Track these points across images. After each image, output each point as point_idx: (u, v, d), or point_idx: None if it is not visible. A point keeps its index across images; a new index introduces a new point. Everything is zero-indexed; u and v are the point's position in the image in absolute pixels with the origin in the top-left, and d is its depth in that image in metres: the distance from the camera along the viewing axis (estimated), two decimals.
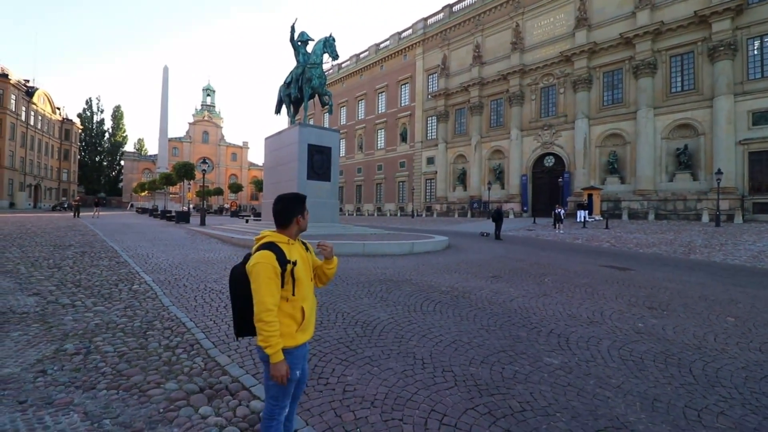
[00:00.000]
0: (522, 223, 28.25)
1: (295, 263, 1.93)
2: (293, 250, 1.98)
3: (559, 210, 21.59)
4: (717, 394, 3.15)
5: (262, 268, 1.82)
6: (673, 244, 15.38)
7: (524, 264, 10.18)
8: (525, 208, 34.63)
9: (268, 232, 2.01)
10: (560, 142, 32.70)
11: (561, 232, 20.89)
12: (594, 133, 30.62)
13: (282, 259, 1.88)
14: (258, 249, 1.92)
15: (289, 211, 2.03)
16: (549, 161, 33.94)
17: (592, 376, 3.41)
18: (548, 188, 33.44)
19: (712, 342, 4.42)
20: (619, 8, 29.70)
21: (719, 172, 22.09)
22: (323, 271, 2.19)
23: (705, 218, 23.52)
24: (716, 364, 3.76)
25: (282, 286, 1.88)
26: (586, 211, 25.50)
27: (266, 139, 18.77)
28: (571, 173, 31.62)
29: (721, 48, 24.56)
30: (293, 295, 1.93)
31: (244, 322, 1.96)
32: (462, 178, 40.54)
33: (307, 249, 2.14)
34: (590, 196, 28.59)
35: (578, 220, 25.49)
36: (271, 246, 1.92)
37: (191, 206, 50.40)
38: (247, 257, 1.96)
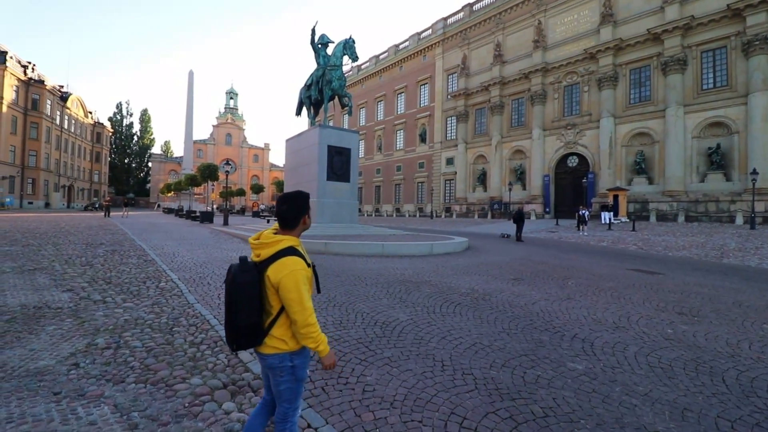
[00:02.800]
0: (544, 224, 27.70)
1: (314, 266, 1.97)
2: (305, 252, 1.95)
3: (583, 211, 21.07)
4: (752, 404, 3.00)
5: (301, 276, 1.78)
6: (705, 248, 14.78)
7: (546, 266, 9.97)
8: (547, 210, 33.97)
9: (273, 235, 1.89)
10: (584, 141, 31.92)
11: (585, 234, 20.38)
12: (620, 132, 29.77)
13: (306, 263, 1.87)
14: (278, 254, 1.82)
15: (298, 210, 1.92)
16: (572, 161, 33.19)
17: (618, 382, 3.31)
18: (571, 189, 32.71)
19: (747, 350, 4.22)
20: (646, 3, 28.80)
21: (755, 172, 21.12)
22: None
23: (739, 220, 22.51)
24: (751, 373, 3.59)
25: None
26: (612, 213, 24.79)
27: (287, 140, 19.05)
28: (596, 173, 30.82)
29: (757, 42, 23.47)
30: (318, 292, 2.05)
31: (249, 334, 1.82)
32: (482, 179, 40.09)
33: None
34: (616, 197, 27.80)
35: (603, 221, 24.79)
36: (296, 252, 1.85)
37: (215, 206, 51.59)
38: (243, 261, 1.83)
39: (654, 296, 6.72)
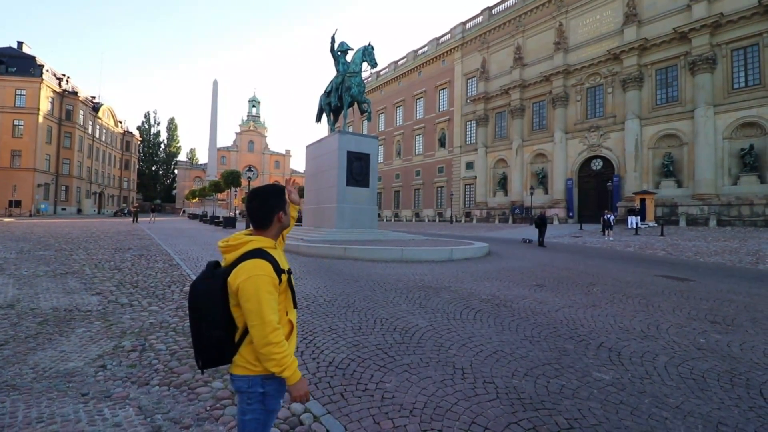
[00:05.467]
0: (567, 229, 27.08)
1: (290, 272, 1.65)
2: (281, 256, 1.67)
3: (609, 216, 20.48)
4: None
5: (262, 282, 1.48)
6: (739, 253, 14.13)
7: (570, 272, 9.73)
8: (570, 214, 33.20)
9: (244, 236, 1.63)
10: (609, 144, 31.12)
11: (611, 239, 19.81)
12: (646, 134, 28.88)
13: (277, 269, 1.55)
14: (243, 257, 1.55)
15: (268, 207, 1.66)
16: (596, 164, 32.38)
17: (648, 394, 3.17)
18: (596, 193, 31.87)
19: None
20: (672, 2, 27.93)
21: None
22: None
23: None
24: None
25: None
26: (638, 217, 24.01)
27: (307, 146, 19.30)
28: (621, 177, 29.97)
29: None
30: (294, 308, 1.68)
31: (214, 350, 1.56)
32: (503, 183, 39.55)
33: None
34: (643, 200, 26.91)
35: (629, 226, 24.06)
36: (263, 254, 1.56)
37: (237, 212, 52.67)
38: (210, 266, 1.61)
39: (685, 304, 6.45)
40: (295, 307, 1.71)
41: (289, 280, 1.64)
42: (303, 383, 1.56)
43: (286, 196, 1.75)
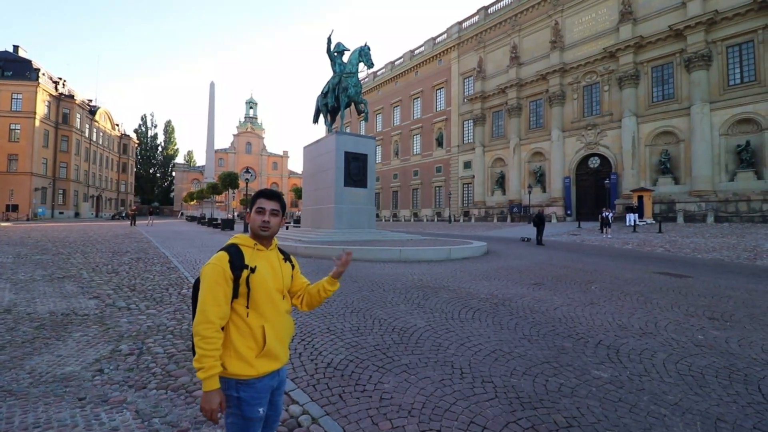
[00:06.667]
0: (565, 227, 27.11)
1: (254, 270, 1.59)
2: (258, 257, 1.65)
3: (607, 213, 20.51)
4: None
5: (210, 270, 1.52)
6: (736, 249, 14.17)
7: (569, 270, 9.73)
8: (568, 212, 33.26)
9: (239, 235, 1.74)
10: (606, 141, 31.19)
11: (609, 236, 19.84)
12: (643, 132, 28.96)
13: (237, 263, 1.56)
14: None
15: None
16: (594, 162, 32.45)
17: (646, 391, 3.17)
18: (593, 191, 31.96)
19: None
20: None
21: None
22: (323, 289, 1.79)
23: None
24: None
25: (236, 297, 1.56)
26: (636, 214, 24.08)
27: (305, 147, 19.28)
28: (619, 174, 30.04)
29: None
30: (247, 307, 1.57)
31: None
32: (500, 182, 39.60)
33: (288, 261, 1.78)
34: (640, 198, 26.99)
35: (628, 223, 24.12)
36: (229, 248, 1.62)
37: (235, 214, 52.56)
38: None
39: (683, 300, 6.46)
40: (248, 307, 1.58)
41: (248, 279, 1.57)
42: (214, 396, 1.46)
43: (261, 202, 1.69)
